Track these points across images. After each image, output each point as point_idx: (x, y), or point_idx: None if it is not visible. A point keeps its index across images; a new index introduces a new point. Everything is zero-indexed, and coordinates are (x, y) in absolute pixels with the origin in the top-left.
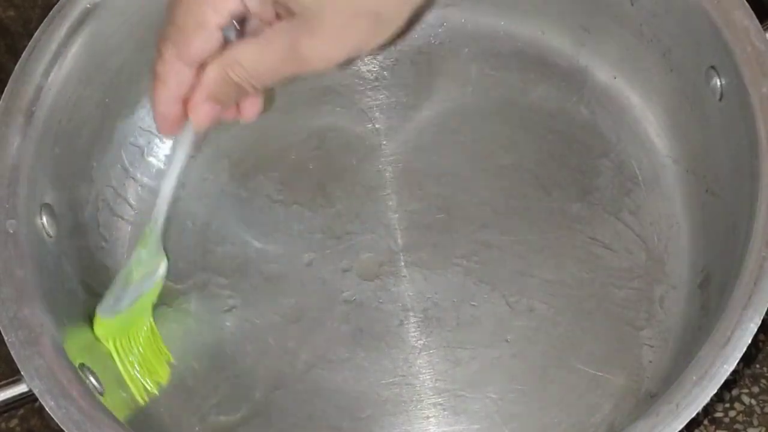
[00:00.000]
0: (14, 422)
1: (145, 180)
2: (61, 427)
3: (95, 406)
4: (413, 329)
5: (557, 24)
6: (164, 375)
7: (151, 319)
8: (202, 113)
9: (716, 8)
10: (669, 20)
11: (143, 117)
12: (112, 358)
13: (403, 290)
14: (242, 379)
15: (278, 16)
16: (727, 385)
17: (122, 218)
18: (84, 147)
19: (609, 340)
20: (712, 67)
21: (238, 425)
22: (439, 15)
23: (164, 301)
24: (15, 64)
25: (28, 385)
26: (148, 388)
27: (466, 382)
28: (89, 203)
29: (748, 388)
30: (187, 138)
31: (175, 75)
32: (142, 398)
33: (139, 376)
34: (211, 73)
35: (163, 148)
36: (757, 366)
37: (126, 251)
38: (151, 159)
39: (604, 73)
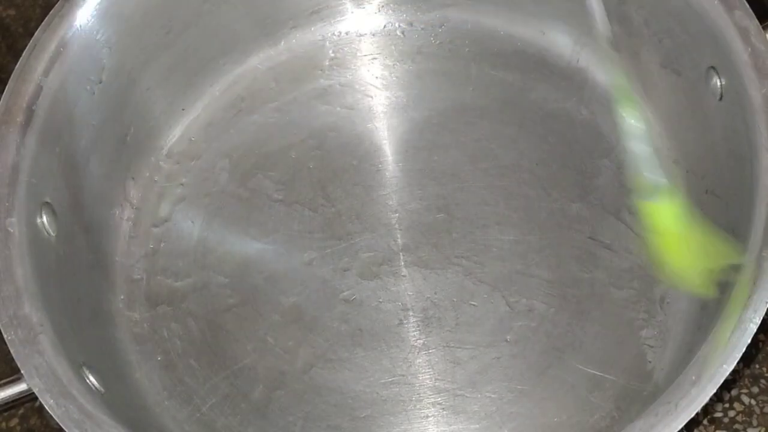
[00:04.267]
0: (14, 421)
1: (145, 178)
2: (61, 426)
3: (95, 404)
4: (413, 329)
5: (557, 24)
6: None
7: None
8: None
9: (716, 8)
10: (669, 20)
11: (143, 115)
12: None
13: (402, 290)
14: (242, 379)
15: None
16: (727, 385)
17: (122, 218)
18: (84, 146)
19: (609, 340)
20: (712, 68)
21: (238, 424)
22: (440, 15)
23: (164, 300)
24: (15, 63)
25: (27, 384)
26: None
27: (465, 382)
28: (89, 202)
29: (748, 388)
30: None
31: None
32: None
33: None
34: None
35: (162, 146)
36: (757, 366)
37: (125, 250)
38: (151, 158)
39: (604, 73)
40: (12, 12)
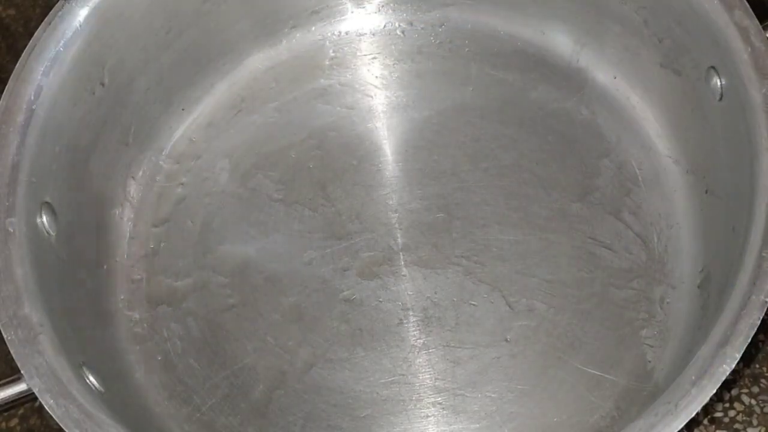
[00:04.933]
0: (14, 421)
1: (145, 178)
2: (61, 426)
3: (95, 404)
4: (413, 328)
5: (558, 24)
6: None
7: None
8: None
9: (716, 8)
10: (669, 20)
11: (144, 115)
12: None
13: (402, 289)
14: (242, 379)
15: None
16: (727, 384)
17: (123, 218)
18: (84, 146)
19: (609, 339)
20: (712, 68)
21: (238, 424)
22: (440, 14)
23: (164, 300)
24: (15, 63)
25: (27, 384)
26: None
27: (465, 382)
28: (89, 202)
29: (748, 388)
30: None
31: None
32: None
33: None
34: None
35: (162, 146)
36: (757, 366)
37: (126, 250)
38: (151, 158)
39: (604, 73)
40: (12, 12)
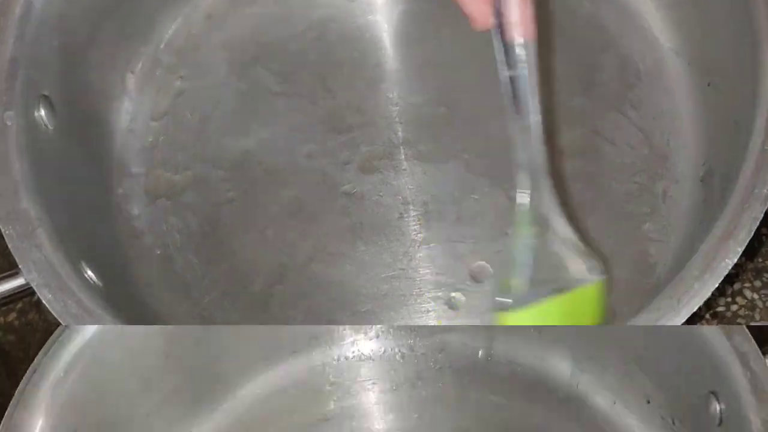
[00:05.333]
0: (12, 316)
1: (144, 72)
2: (59, 320)
3: (93, 299)
4: (413, 222)
5: None
6: None
7: None
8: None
9: None
10: None
11: (142, 8)
12: None
13: (403, 183)
14: (241, 273)
15: None
16: (729, 279)
17: (121, 111)
18: (82, 39)
19: (612, 234)
20: None
21: (237, 319)
22: None
23: (163, 194)
24: None
25: (25, 279)
26: None
27: (466, 276)
28: (87, 95)
29: (750, 282)
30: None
31: None
32: None
33: None
34: None
35: (161, 39)
36: (760, 260)
37: (124, 144)
38: (149, 51)
39: None
40: None
